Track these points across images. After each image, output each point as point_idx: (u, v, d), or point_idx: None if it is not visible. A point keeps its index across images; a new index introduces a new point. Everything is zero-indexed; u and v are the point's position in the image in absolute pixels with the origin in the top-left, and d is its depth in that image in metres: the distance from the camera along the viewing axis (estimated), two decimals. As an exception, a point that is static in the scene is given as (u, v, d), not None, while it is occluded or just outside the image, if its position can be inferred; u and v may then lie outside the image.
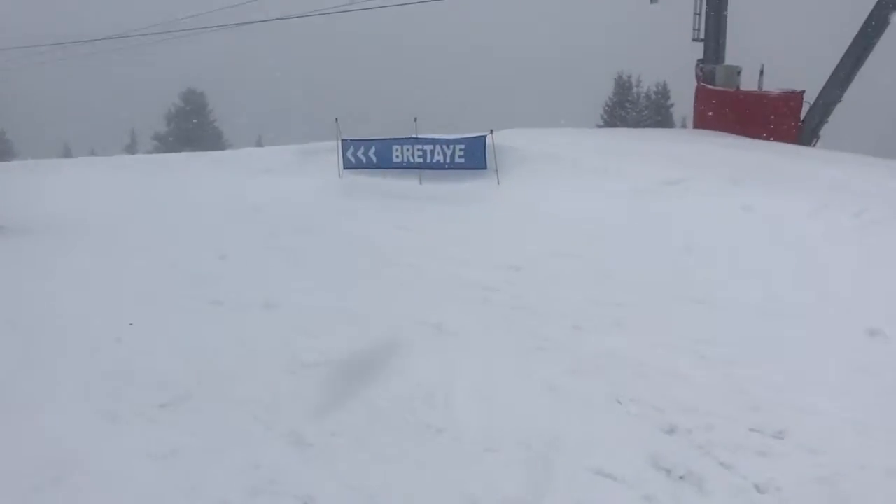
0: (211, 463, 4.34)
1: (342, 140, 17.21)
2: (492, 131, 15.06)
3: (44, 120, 68.24)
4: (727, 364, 5.98)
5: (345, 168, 17.09)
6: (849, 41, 17.86)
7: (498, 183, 14.67)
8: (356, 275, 8.84)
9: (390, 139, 16.60)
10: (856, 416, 4.95)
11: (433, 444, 4.57)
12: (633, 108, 51.08)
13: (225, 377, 5.58)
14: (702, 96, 19.64)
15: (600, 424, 4.93)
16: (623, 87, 51.79)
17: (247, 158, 21.11)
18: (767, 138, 17.35)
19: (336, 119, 17.24)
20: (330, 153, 17.75)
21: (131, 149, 63.16)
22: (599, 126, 49.30)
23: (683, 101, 51.45)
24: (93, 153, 54.44)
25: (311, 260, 9.57)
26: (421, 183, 15.85)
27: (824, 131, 18.81)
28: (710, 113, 19.16)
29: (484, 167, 15.14)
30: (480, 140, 15.28)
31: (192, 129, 61.53)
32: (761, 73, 19.06)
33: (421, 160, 16.05)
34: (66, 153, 62.73)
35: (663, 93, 50.93)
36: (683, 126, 49.59)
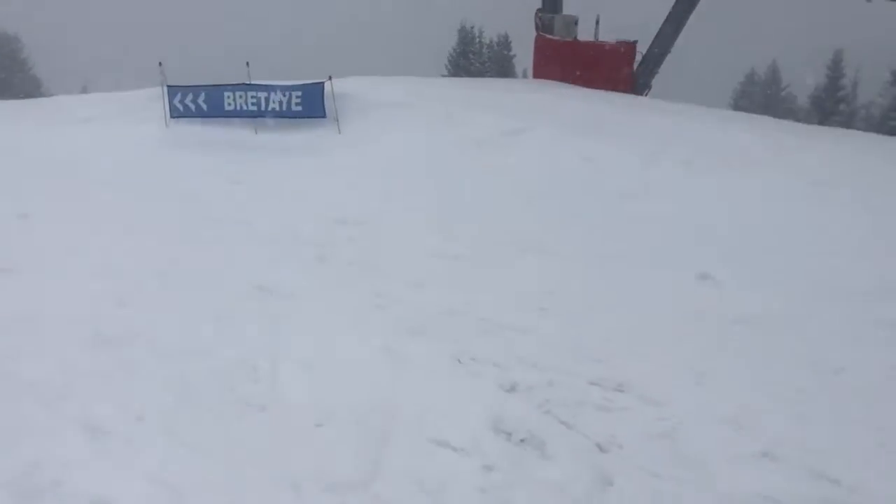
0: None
1: (168, 86, 15.78)
2: (330, 78, 14.30)
3: None
4: (567, 316, 5.88)
5: (172, 117, 15.70)
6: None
7: (339, 132, 14.02)
8: (180, 235, 8.01)
9: (221, 85, 15.40)
10: (688, 364, 4.97)
11: (254, 424, 4.09)
12: (476, 59, 51.22)
13: (7, 356, 4.77)
14: (540, 46, 19.68)
15: (441, 389, 4.64)
16: (466, 38, 51.74)
17: (60, 107, 18.96)
18: (604, 88, 17.69)
19: (160, 63, 15.78)
20: (156, 101, 16.25)
21: (-71, 97, 56.16)
22: (443, 76, 49.11)
23: (524, 53, 52.52)
24: None
25: (129, 218, 8.61)
26: (257, 133, 14.87)
27: (655, 81, 19.49)
28: (549, 63, 19.26)
29: (323, 115, 14.40)
30: (318, 87, 14.50)
31: (6, 78, 55.41)
32: (597, 23, 19.34)
33: (255, 108, 15.02)
34: None
35: (505, 43, 51.39)
36: (525, 77, 50.61)
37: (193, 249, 7.43)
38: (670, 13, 18.45)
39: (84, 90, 51.39)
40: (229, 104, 15.21)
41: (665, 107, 14.93)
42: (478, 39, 51.36)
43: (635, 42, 18.61)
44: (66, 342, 5.01)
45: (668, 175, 10.63)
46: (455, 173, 11.17)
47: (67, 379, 4.47)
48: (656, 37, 18.67)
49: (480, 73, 49.92)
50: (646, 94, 19.03)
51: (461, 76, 47.14)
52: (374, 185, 10.61)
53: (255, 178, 11.39)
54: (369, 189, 10.44)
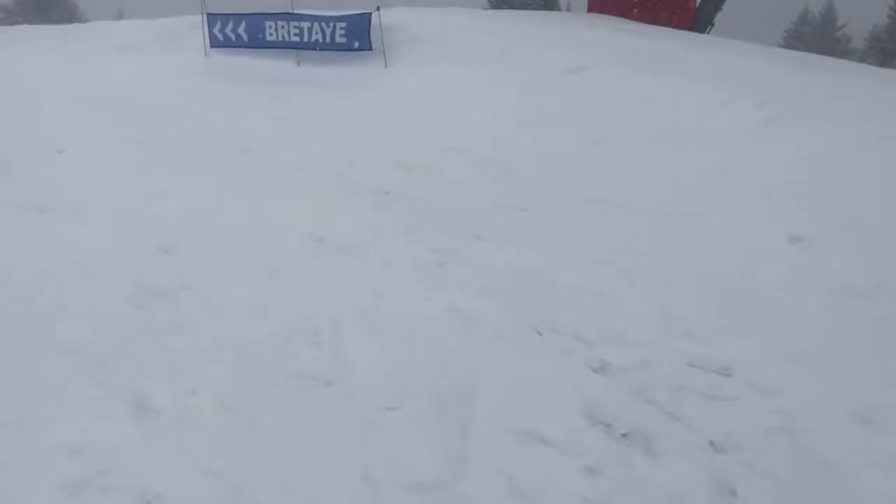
0: (15, 446, 3.23)
1: (208, 14, 15.14)
2: (378, 8, 13.53)
3: None
4: (649, 280, 5.30)
5: (211, 47, 15.11)
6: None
7: (385, 66, 13.34)
8: (222, 176, 7.52)
9: (262, 14, 14.72)
10: (792, 344, 4.40)
11: (319, 404, 3.64)
12: (520, -10, 49.31)
13: (44, 314, 4.36)
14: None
15: (521, 364, 4.14)
16: (510, -32, 49.79)
17: (98, 34, 18.40)
18: (664, 24, 16.66)
19: (200, -11, 15.11)
20: (195, 29, 15.63)
21: (-31, 20, 55.89)
22: (485, 9, 47.52)
23: (570, -15, 50.48)
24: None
25: (168, 157, 8.12)
26: (299, 65, 14.25)
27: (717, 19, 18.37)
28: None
29: (369, 48, 13.69)
30: (364, 18, 13.76)
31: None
32: (659, -47, 18.17)
33: (298, 39, 14.35)
34: None
35: (550, -25, 49.31)
36: (568, 10, 48.78)
37: (240, 193, 6.94)
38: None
39: (120, 15, 50.84)
40: (271, 34, 14.57)
41: (734, 46, 13.97)
42: (523, -30, 49.39)
43: (699, -25, 17.48)
44: (109, 296, 4.59)
45: (743, 121, 9.81)
46: (511, 114, 10.49)
47: (111, 342, 4.05)
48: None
49: (523, 6, 48.25)
50: (708, 32, 17.98)
51: (502, 7, 45.64)
52: (426, 126, 9.98)
53: (300, 114, 10.81)
54: (421, 129, 9.83)
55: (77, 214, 6.02)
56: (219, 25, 14.97)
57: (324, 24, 14.08)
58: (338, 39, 14.03)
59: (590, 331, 4.55)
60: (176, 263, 5.14)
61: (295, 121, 10.44)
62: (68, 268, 4.87)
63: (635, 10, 16.98)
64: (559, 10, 48.82)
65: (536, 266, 5.47)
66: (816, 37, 51.70)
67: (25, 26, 21.54)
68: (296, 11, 14.32)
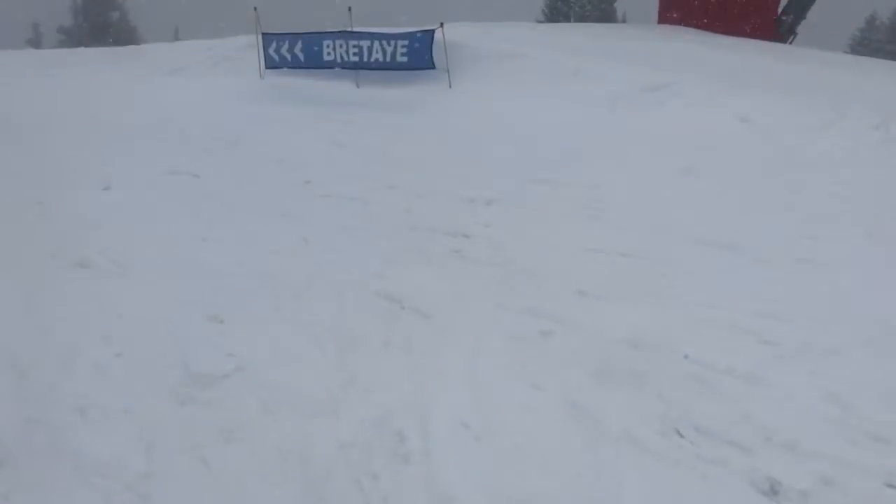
0: None
1: (263, 34, 14.56)
2: (441, 25, 12.71)
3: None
4: (807, 357, 4.27)
5: (267, 67, 14.53)
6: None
7: (450, 86, 12.51)
8: (280, 217, 6.73)
9: (320, 33, 14.06)
10: None
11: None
12: (576, 3, 48.32)
13: (69, 423, 3.54)
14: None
15: (666, 485, 3.19)
16: (565, -20, 48.80)
17: (152, 58, 18.10)
18: (743, 35, 15.52)
19: (255, 8, 14.52)
20: (250, 50, 15.08)
21: (35, 43, 57.15)
22: (540, 21, 46.68)
23: (624, -3, 49.16)
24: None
25: (222, 193, 7.39)
26: (358, 87, 13.52)
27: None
28: (678, 6, 17.14)
29: (432, 67, 12.89)
30: (427, 35, 12.95)
31: (101, 22, 55.88)
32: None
33: (357, 59, 13.63)
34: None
35: (608, -14, 48.25)
36: (624, 21, 47.47)
37: (301, 238, 6.13)
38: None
39: (176, 35, 51.41)
40: (329, 54, 13.90)
41: (828, 57, 12.81)
42: (579, -19, 48.33)
43: (782, -18, 16.29)
44: (148, 389, 3.75)
45: (857, 143, 8.72)
46: (590, 138, 9.54)
47: (149, 462, 3.21)
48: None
49: (581, 19, 47.21)
50: (790, 42, 16.76)
51: (559, 20, 44.66)
52: (499, 152, 9.08)
53: (361, 140, 10.02)
54: (493, 156, 8.93)
55: (118, 270, 5.26)
56: (274, 46, 14.38)
57: (384, 43, 13.34)
58: (399, 59, 13.26)
59: (745, 432, 3.57)
60: (228, 337, 4.31)
61: (356, 148, 9.65)
62: (102, 346, 4.07)
63: (712, 20, 15.86)
64: (616, 21, 47.76)
65: (660, 335, 4.50)
66: (885, 44, 49.45)
67: (82, 49, 21.46)
68: (354, 30, 13.59)
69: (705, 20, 16.35)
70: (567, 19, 46.15)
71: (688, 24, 16.59)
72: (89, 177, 7.62)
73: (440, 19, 13.05)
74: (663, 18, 17.84)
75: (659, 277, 5.46)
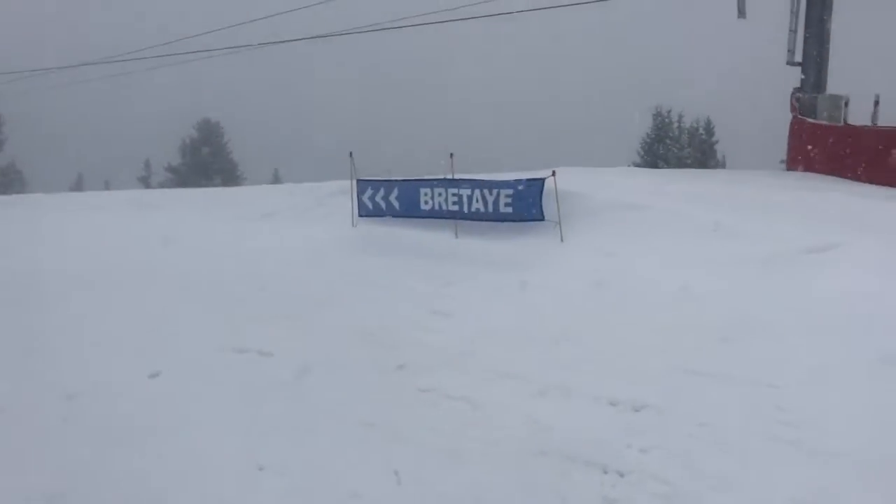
0: None
1: (358, 180, 13.63)
2: (553, 173, 11.36)
3: (56, 148, 64.91)
4: None
5: (360, 215, 13.48)
6: None
7: (562, 240, 11.00)
8: (363, 423, 5.12)
9: (418, 181, 13.01)
10: None
11: None
12: (673, 144, 47.33)
13: None
14: (801, 131, 15.91)
15: None
16: (662, 123, 48.09)
17: (245, 199, 17.61)
18: (891, 185, 13.55)
19: (350, 154, 13.69)
20: (344, 196, 14.15)
21: (146, 180, 60.33)
22: (637, 164, 45.81)
23: (727, 138, 47.94)
24: (107, 185, 51.35)
25: (290, 383, 5.89)
26: (457, 237, 12.21)
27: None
28: (814, 152, 15.42)
29: (541, 218, 11.46)
30: (537, 184, 11.60)
31: (205, 160, 58.71)
32: (876, 103, 15.35)
33: (456, 208, 12.40)
34: (79, 184, 59.96)
35: (707, 129, 47.23)
36: (722, 166, 45.83)
37: (387, 465, 4.47)
38: None
39: (275, 177, 53.06)
40: (426, 202, 12.74)
41: None
42: (676, 124, 47.49)
43: (935, 129, 14.39)
44: None
45: None
46: (749, 309, 7.71)
47: None
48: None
49: (679, 161, 45.97)
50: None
51: (658, 164, 43.50)
52: (636, 328, 7.37)
53: (465, 307, 8.48)
54: (630, 334, 7.22)
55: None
56: (369, 192, 13.38)
57: (486, 192, 12.08)
58: (502, 209, 11.92)
59: None
60: None
61: (460, 317, 8.11)
62: None
63: (862, 167, 14.04)
64: (718, 163, 46.29)
65: None
66: None
67: (177, 190, 21.41)
68: (455, 177, 12.44)
69: (852, 165, 14.53)
70: (665, 162, 44.99)
71: (825, 172, 14.82)
72: (136, 354, 6.29)
73: (531, 166, 11.77)
74: (794, 164, 16.11)
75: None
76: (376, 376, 6.18)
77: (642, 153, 48.41)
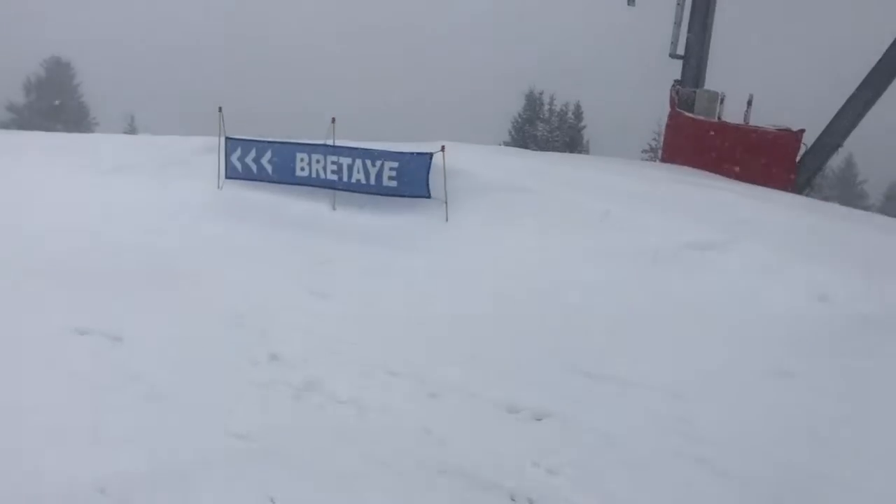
0: None
1: (227, 138, 12.41)
2: (443, 148, 10.73)
3: None
4: None
5: (227, 177, 12.28)
6: (852, 79, 14.92)
7: (447, 220, 10.45)
8: (230, 434, 4.33)
9: (295, 143, 12.02)
10: None
11: None
12: (544, 127, 48.08)
13: None
14: (678, 125, 16.18)
15: None
16: (534, 104, 48.72)
17: (95, 149, 15.71)
18: (758, 182, 14.01)
19: (220, 109, 12.45)
20: (210, 154, 12.85)
21: (-17, 118, 54.31)
22: (507, 143, 46.25)
23: (594, 125, 49.16)
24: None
25: (145, 374, 4.99)
26: (334, 209, 11.39)
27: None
28: (689, 146, 15.71)
29: (427, 196, 10.84)
30: (424, 159, 10.95)
31: (53, 103, 53.49)
32: (749, 103, 15.85)
33: (335, 178, 11.53)
34: None
35: (577, 113, 48.30)
36: (587, 151, 47.06)
37: (261, 495, 3.73)
38: (848, 101, 14.81)
39: (131, 126, 49.16)
40: (302, 168, 11.80)
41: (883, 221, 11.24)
42: (547, 106, 48.16)
43: (802, 131, 15.04)
44: None
45: None
46: (637, 309, 7.49)
47: None
48: (828, 128, 15.07)
49: (547, 142, 46.73)
50: (807, 194, 15.39)
51: (528, 145, 43.97)
52: (520, 319, 6.95)
53: (347, 289, 7.76)
54: (515, 326, 6.79)
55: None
56: (239, 152, 12.23)
57: (369, 163, 11.30)
58: (386, 182, 11.19)
59: None
60: None
61: (340, 299, 7.40)
62: None
63: (734, 166, 14.40)
64: (584, 148, 47.48)
65: None
66: (836, 190, 50.33)
67: (14, 132, 19.07)
68: (336, 144, 11.57)
69: (719, 164, 14.91)
70: (534, 142, 45.56)
71: (698, 166, 15.11)
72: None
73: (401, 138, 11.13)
74: (669, 157, 16.40)
75: None
76: (246, 370, 5.36)
77: (513, 133, 48.91)
